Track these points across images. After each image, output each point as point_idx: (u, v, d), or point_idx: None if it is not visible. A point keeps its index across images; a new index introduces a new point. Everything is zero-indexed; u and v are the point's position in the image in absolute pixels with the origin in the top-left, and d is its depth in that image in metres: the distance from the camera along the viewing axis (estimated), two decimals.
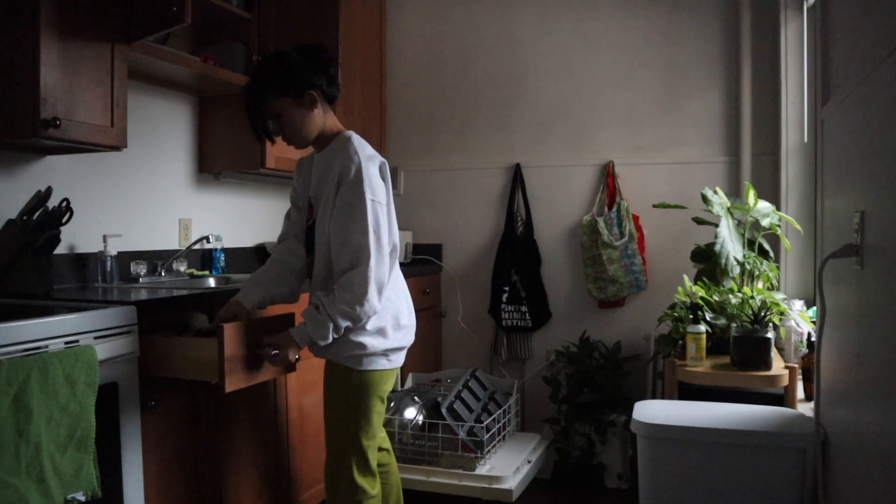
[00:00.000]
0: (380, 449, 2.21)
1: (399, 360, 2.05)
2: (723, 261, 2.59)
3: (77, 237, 2.38)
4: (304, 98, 1.93)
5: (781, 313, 2.45)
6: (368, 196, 1.85)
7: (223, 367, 1.75)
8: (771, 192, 3.07)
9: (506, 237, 3.54)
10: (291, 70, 1.91)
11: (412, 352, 3.31)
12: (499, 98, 3.59)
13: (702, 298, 2.53)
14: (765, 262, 2.67)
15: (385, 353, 1.99)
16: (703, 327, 2.38)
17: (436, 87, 3.69)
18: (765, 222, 2.70)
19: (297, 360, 2.11)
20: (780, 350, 2.58)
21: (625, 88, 3.38)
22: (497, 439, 2.92)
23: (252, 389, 2.25)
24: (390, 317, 1.99)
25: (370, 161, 1.92)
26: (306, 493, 2.52)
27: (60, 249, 2.19)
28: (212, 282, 2.72)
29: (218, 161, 2.92)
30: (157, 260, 2.69)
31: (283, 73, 1.91)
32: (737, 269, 2.61)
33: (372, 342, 1.94)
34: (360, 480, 1.98)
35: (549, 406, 3.33)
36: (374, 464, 2.03)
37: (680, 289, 2.62)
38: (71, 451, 1.53)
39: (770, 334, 2.30)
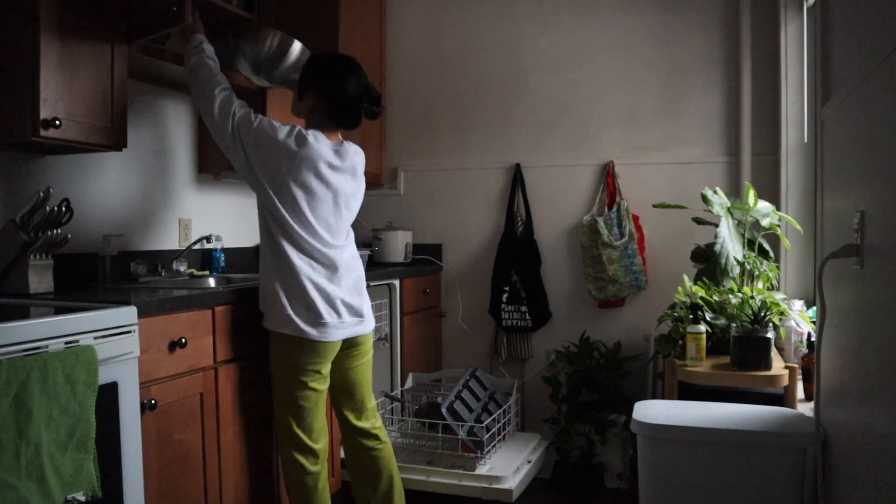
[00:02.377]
0: (367, 435, 2.33)
1: (315, 333, 2.11)
2: (723, 261, 2.59)
3: (77, 237, 2.38)
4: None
5: (781, 313, 2.45)
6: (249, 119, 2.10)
7: None
8: (771, 192, 3.07)
9: (506, 237, 3.54)
10: None
11: (412, 352, 3.35)
12: (499, 98, 3.59)
13: (702, 298, 2.53)
14: (765, 262, 2.67)
15: (289, 317, 2.09)
16: (703, 327, 2.38)
17: (436, 87, 3.69)
18: (765, 222, 2.70)
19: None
20: (780, 350, 2.58)
21: (625, 88, 3.38)
22: (497, 439, 2.92)
23: (252, 389, 2.26)
24: (295, 297, 2.11)
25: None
26: None
27: (60, 249, 2.19)
28: (212, 282, 2.72)
29: (218, 161, 2.92)
30: (157, 260, 2.69)
31: None
32: (737, 269, 2.61)
33: (280, 300, 2.10)
34: (299, 456, 2.17)
35: (549, 406, 3.33)
36: (312, 443, 2.18)
37: (680, 289, 2.62)
38: (71, 451, 1.53)
39: (770, 334, 2.30)
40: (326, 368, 2.22)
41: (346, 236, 2.27)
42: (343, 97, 2.19)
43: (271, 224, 2.12)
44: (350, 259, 2.25)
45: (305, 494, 2.19)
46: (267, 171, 2.09)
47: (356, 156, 2.29)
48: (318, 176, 2.13)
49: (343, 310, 2.19)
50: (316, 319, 2.12)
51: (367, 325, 2.30)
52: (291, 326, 2.10)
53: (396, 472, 2.40)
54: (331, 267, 2.16)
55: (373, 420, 2.38)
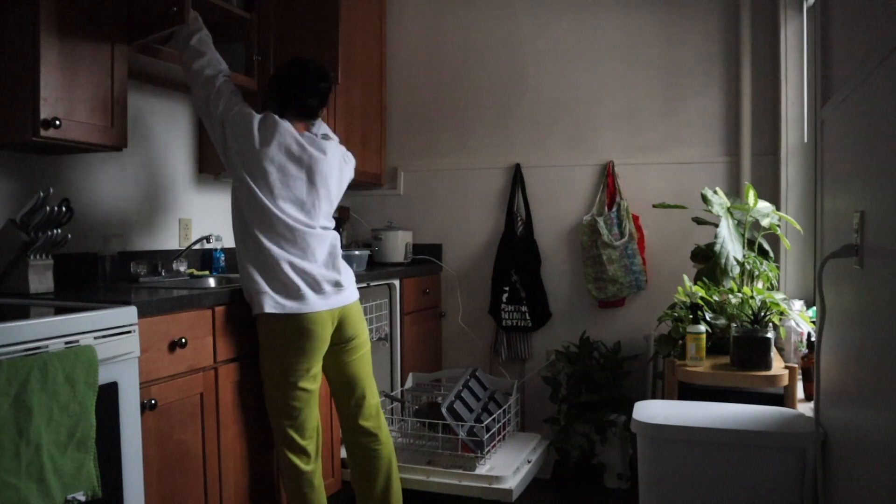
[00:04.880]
0: (367, 434, 2.35)
1: (296, 306, 2.14)
2: (723, 261, 2.59)
3: (77, 237, 2.38)
4: None
5: (781, 313, 2.45)
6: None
7: None
8: (771, 192, 3.07)
9: (506, 237, 3.54)
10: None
11: (412, 352, 3.35)
12: (499, 98, 3.59)
13: (702, 298, 2.53)
14: (765, 262, 2.67)
15: (268, 294, 2.13)
16: (703, 327, 2.38)
17: (436, 87, 3.68)
18: (765, 222, 2.70)
19: None
20: (780, 350, 2.58)
21: (625, 88, 3.38)
22: (497, 439, 2.92)
23: (252, 389, 2.26)
24: (270, 276, 2.15)
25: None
26: None
27: (60, 249, 2.19)
28: (212, 282, 2.72)
29: (218, 161, 2.91)
30: (157, 260, 2.69)
31: None
32: (737, 269, 2.61)
33: (257, 281, 2.14)
34: (292, 457, 2.21)
35: (549, 406, 3.33)
36: (304, 443, 2.21)
37: (680, 289, 2.62)
38: (71, 451, 1.53)
39: (770, 334, 2.30)
40: (317, 367, 2.23)
41: (322, 215, 2.29)
42: (285, 88, 2.29)
43: (244, 208, 2.18)
44: (321, 232, 2.27)
45: (300, 493, 2.22)
46: (240, 150, 2.17)
47: (328, 144, 2.35)
48: (290, 154, 2.20)
49: (322, 283, 2.21)
50: (295, 293, 2.14)
51: (347, 295, 2.30)
52: (271, 303, 2.12)
53: (395, 473, 2.41)
54: (301, 244, 2.19)
55: (375, 419, 2.39)
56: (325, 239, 2.27)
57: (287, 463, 2.22)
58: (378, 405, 2.43)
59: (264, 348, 2.20)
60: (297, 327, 2.15)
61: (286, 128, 2.22)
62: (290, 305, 2.14)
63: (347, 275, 2.33)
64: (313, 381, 2.22)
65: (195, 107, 2.26)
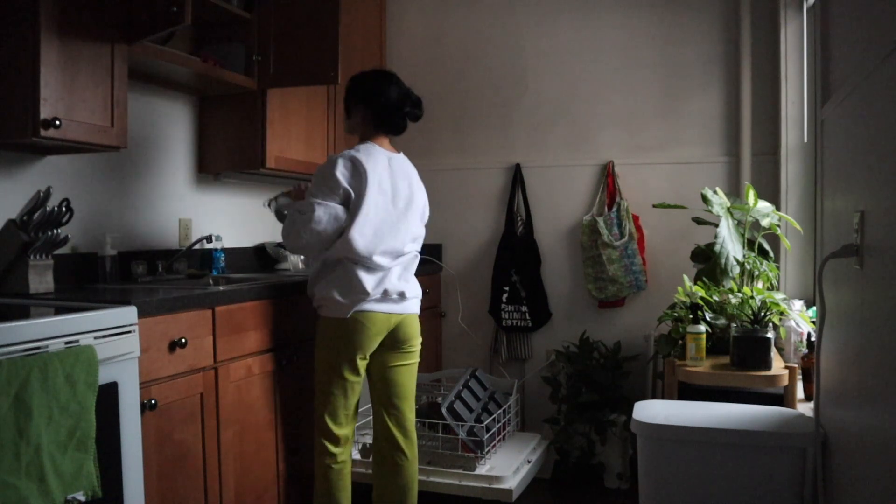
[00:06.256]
0: (396, 447, 2.38)
1: (356, 304, 2.21)
2: (723, 261, 2.59)
3: (77, 237, 2.38)
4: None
5: (781, 313, 2.45)
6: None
7: None
8: (771, 192, 3.07)
9: (506, 237, 3.54)
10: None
11: None
12: (499, 98, 3.59)
13: (702, 298, 2.53)
14: (765, 262, 2.67)
15: (336, 302, 2.22)
16: (702, 327, 2.38)
17: (436, 87, 3.68)
18: (765, 222, 2.70)
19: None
20: (780, 350, 2.58)
21: (625, 88, 3.38)
22: (497, 439, 2.92)
23: (251, 389, 2.26)
24: (340, 280, 2.23)
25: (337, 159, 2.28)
26: (307, 492, 2.52)
27: (60, 249, 2.19)
28: (212, 282, 2.72)
29: (218, 161, 2.92)
30: (157, 260, 2.69)
31: None
32: (737, 269, 2.61)
33: (323, 294, 2.26)
34: (323, 440, 2.28)
35: (549, 406, 3.33)
36: (338, 430, 2.28)
37: (680, 289, 2.62)
38: (71, 451, 1.53)
39: (770, 334, 2.30)
40: (361, 360, 2.28)
41: (409, 240, 2.37)
42: (386, 105, 2.35)
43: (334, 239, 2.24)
44: (406, 251, 2.37)
45: (326, 478, 2.29)
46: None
47: (406, 164, 2.45)
48: (382, 190, 2.27)
49: (390, 291, 2.28)
50: (360, 293, 2.22)
51: (408, 305, 2.37)
52: (338, 299, 2.23)
53: (413, 492, 2.43)
54: (386, 267, 2.28)
55: (409, 436, 2.43)
56: (406, 257, 2.37)
57: (318, 446, 2.30)
58: (413, 421, 2.46)
59: (320, 336, 2.30)
60: (353, 321, 2.22)
61: (377, 164, 2.27)
62: (353, 302, 2.21)
63: (414, 288, 2.41)
64: (354, 374, 2.28)
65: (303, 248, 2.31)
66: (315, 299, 2.31)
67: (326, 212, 2.20)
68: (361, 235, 2.20)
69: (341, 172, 2.22)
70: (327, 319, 2.26)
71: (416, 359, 2.46)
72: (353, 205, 2.22)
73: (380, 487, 2.42)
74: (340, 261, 2.24)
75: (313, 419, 2.33)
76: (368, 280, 2.23)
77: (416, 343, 2.45)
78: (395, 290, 2.29)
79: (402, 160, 2.42)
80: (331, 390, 2.27)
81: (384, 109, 2.35)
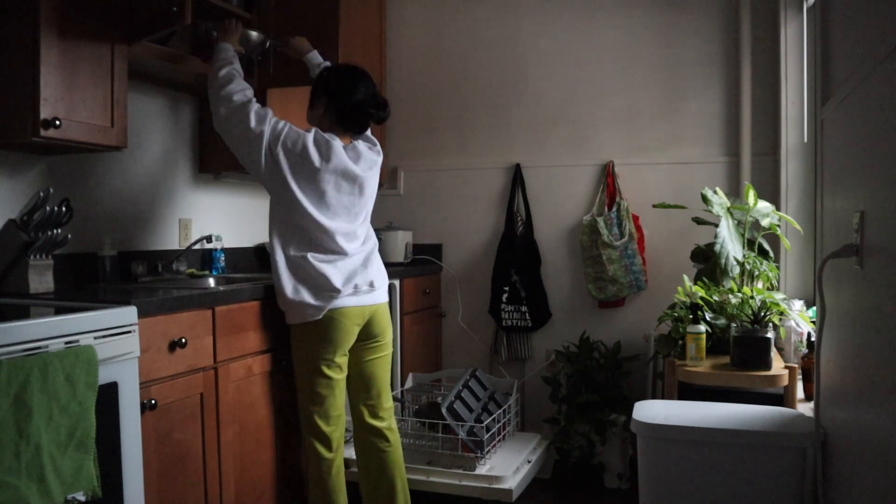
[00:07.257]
0: (378, 434, 2.40)
1: (327, 304, 2.21)
2: (723, 261, 2.59)
3: (77, 237, 2.38)
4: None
5: (781, 313, 2.45)
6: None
7: None
8: (771, 192, 3.07)
9: (506, 237, 3.54)
10: None
11: (412, 352, 3.34)
12: (499, 98, 3.59)
13: (702, 298, 2.53)
14: (765, 262, 2.67)
15: (308, 306, 2.20)
16: (703, 327, 2.38)
17: (436, 87, 3.68)
18: (765, 222, 2.70)
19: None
20: (780, 350, 2.58)
21: (625, 88, 3.38)
22: (497, 439, 2.92)
23: (251, 389, 2.26)
24: (308, 280, 2.21)
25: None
26: (307, 491, 2.51)
27: (60, 249, 2.19)
28: (212, 282, 2.72)
29: (218, 161, 2.92)
30: (157, 260, 2.69)
31: None
32: (737, 269, 2.61)
33: (293, 298, 2.21)
34: (316, 443, 2.27)
35: (549, 406, 3.33)
36: (331, 431, 2.27)
37: (680, 289, 2.62)
38: (71, 451, 1.53)
39: (770, 334, 2.30)
40: (342, 358, 2.29)
41: (366, 221, 2.42)
42: (349, 103, 2.33)
43: (290, 221, 2.22)
44: (362, 233, 2.38)
45: (321, 480, 2.28)
46: (295, 170, 2.20)
47: (365, 148, 2.42)
48: (345, 174, 2.28)
49: (357, 282, 2.27)
50: (329, 289, 2.21)
51: (378, 295, 2.37)
52: (308, 298, 2.21)
53: (402, 476, 2.45)
54: (345, 248, 2.27)
55: (388, 421, 2.45)
56: (365, 241, 2.37)
57: (311, 449, 2.29)
58: (391, 409, 2.48)
59: (296, 339, 2.28)
60: (328, 319, 2.22)
61: (338, 146, 2.28)
62: (325, 300, 2.20)
63: (381, 276, 2.40)
64: (339, 371, 2.29)
65: (222, 128, 2.25)
66: (286, 305, 2.24)
67: (245, 95, 2.23)
68: (317, 208, 2.21)
69: (312, 142, 2.22)
70: (302, 325, 2.24)
71: (389, 349, 2.47)
72: (307, 178, 2.21)
73: (367, 478, 2.43)
74: (304, 257, 2.21)
75: (300, 426, 2.32)
76: (336, 276, 2.22)
77: (389, 334, 2.46)
78: (364, 282, 2.29)
79: (360, 145, 2.41)
80: (318, 391, 2.26)
81: (346, 107, 2.33)
